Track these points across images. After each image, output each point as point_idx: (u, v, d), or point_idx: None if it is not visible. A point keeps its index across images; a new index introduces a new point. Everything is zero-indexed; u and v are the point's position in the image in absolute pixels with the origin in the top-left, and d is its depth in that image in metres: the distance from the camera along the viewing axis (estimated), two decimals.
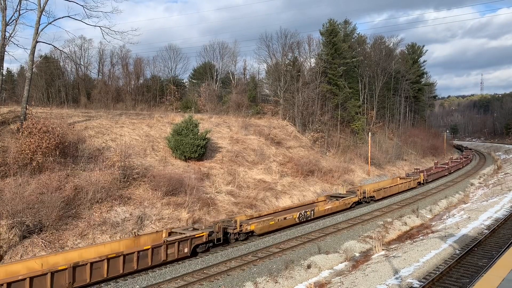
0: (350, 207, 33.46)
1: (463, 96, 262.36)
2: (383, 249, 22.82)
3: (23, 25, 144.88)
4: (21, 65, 57.74)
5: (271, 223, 25.11)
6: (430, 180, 49.65)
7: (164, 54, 67.58)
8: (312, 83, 57.21)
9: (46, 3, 29.01)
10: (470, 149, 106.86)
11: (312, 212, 28.76)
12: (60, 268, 15.70)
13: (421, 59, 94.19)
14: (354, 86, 67.99)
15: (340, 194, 35.43)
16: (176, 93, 59.73)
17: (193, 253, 20.84)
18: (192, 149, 33.34)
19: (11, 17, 30.47)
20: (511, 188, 40.42)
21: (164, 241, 19.31)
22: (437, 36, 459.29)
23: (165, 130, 37.08)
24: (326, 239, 24.77)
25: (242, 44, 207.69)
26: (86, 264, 16.36)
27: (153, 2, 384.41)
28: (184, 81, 72.35)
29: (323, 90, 58.90)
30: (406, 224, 29.49)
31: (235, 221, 23.39)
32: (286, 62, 60.18)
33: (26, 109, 28.48)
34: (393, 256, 20.32)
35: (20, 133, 25.56)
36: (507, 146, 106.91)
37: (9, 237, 19.33)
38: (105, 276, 16.97)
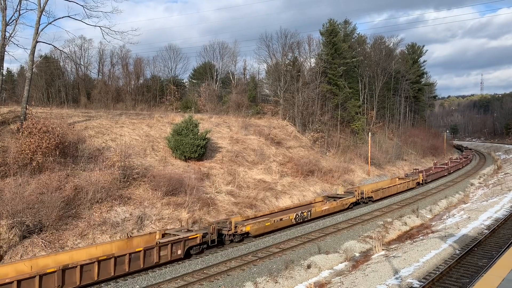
0: (348, 208, 33.43)
1: (463, 96, 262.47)
2: (383, 249, 22.82)
3: (23, 25, 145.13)
4: (21, 65, 57.84)
5: (266, 224, 24.94)
6: (429, 181, 49.60)
7: (164, 54, 67.74)
8: (312, 83, 57.19)
9: (46, 3, 29.06)
10: (470, 149, 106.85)
11: (309, 213, 28.65)
12: (49, 271, 15.38)
13: (421, 59, 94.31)
14: (354, 86, 67.98)
15: (338, 194, 35.33)
16: (176, 93, 59.71)
17: (187, 255, 20.50)
18: (192, 149, 33.34)
19: (11, 17, 30.50)
20: (511, 188, 40.42)
21: (156, 243, 19.03)
22: (437, 36, 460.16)
23: (165, 130, 37.08)
24: (326, 239, 24.76)
25: (242, 44, 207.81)
26: (76, 266, 16.09)
27: (153, 2, 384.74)
28: (184, 81, 72.45)
29: (323, 90, 58.89)
30: (406, 224, 29.48)
31: (230, 222, 23.12)
32: (286, 62, 60.16)
33: (26, 109, 28.49)
34: (393, 256, 20.32)
35: (20, 133, 25.55)
36: (507, 146, 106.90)
37: (9, 237, 19.33)
38: (96, 278, 16.68)
